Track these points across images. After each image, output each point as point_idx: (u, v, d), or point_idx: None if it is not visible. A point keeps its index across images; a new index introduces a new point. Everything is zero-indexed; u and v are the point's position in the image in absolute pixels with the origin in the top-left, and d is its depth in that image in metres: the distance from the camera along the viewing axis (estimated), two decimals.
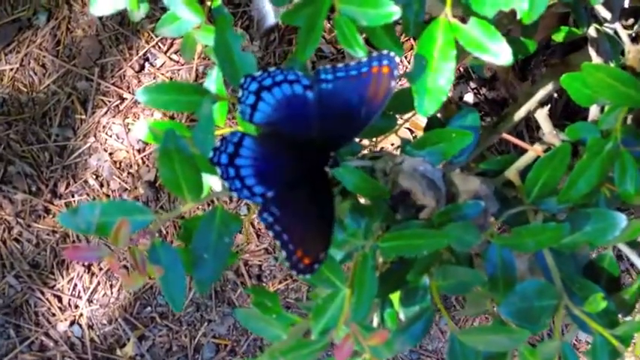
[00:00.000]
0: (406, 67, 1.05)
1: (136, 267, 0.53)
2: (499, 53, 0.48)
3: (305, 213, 0.54)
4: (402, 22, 0.58)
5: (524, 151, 0.68)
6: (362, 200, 0.61)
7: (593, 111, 0.66)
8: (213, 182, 0.64)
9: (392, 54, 0.51)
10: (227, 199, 1.08)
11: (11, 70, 1.14)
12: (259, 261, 1.08)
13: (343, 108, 0.55)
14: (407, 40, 1.06)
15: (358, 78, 0.53)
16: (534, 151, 0.64)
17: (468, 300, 0.62)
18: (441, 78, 0.49)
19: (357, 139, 0.62)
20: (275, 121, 0.56)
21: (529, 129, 1.00)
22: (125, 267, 1.03)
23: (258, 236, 1.09)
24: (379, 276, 0.58)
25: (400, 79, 0.52)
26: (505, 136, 0.67)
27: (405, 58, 1.07)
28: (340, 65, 0.54)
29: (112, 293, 1.11)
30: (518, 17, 0.50)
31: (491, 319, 0.65)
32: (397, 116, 0.65)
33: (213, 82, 0.63)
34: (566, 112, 1.01)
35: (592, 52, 0.70)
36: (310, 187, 0.55)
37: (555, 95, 0.96)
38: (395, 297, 0.62)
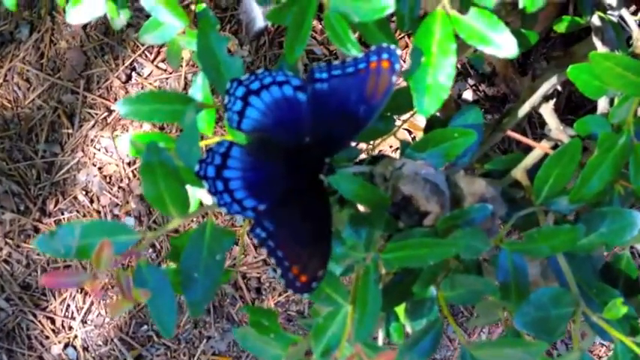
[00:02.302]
0: (402, 66, 1.01)
1: (121, 291, 0.49)
2: (503, 45, 0.45)
3: (300, 226, 0.50)
4: (396, 18, 0.54)
5: (529, 149, 0.65)
6: (361, 209, 0.57)
7: (602, 103, 0.62)
8: (202, 195, 0.61)
9: (392, 46, 0.48)
10: (218, 220, 1.04)
11: None
12: (258, 273, 1.05)
13: (339, 109, 0.52)
14: (401, 38, 1.03)
15: (355, 75, 0.50)
16: (541, 148, 0.60)
17: (478, 309, 0.58)
18: (441, 74, 0.45)
19: (353, 144, 0.59)
20: (265, 127, 0.52)
21: (532, 125, 0.96)
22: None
23: (255, 248, 1.05)
24: (383, 288, 0.55)
25: (400, 76, 0.48)
26: (510, 133, 0.63)
27: (401, 57, 1.03)
28: (336, 63, 0.51)
29: (106, 313, 1.07)
30: (521, 6, 0.46)
31: (503, 326, 0.62)
32: (395, 117, 0.62)
33: (199, 89, 0.59)
34: (568, 106, 0.97)
35: (597, 41, 0.66)
36: (305, 198, 0.52)
37: (559, 88, 0.93)
38: (400, 309, 0.59)
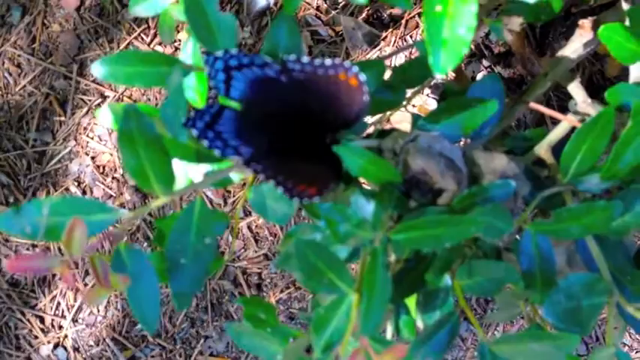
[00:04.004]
0: (410, 53, 0.95)
1: (96, 278, 0.44)
2: None
3: (303, 161, 0.47)
4: None
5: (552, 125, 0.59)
6: (368, 187, 0.51)
7: (635, 71, 0.56)
8: (192, 172, 0.55)
9: (353, 67, 0.45)
10: (221, 201, 0.98)
11: None
12: (258, 268, 0.99)
13: (320, 102, 0.48)
14: (411, 18, 0.97)
15: (327, 79, 0.46)
16: (569, 121, 0.54)
17: (497, 301, 0.52)
18: (460, 25, 0.39)
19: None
20: (254, 99, 0.47)
21: (550, 106, 0.90)
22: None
23: (256, 241, 0.99)
24: (392, 277, 0.49)
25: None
26: (533, 105, 0.57)
27: (411, 37, 0.97)
28: (306, 59, 0.46)
29: (98, 311, 1.01)
30: None
31: (526, 321, 0.56)
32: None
33: (189, 53, 0.53)
34: (589, 89, 0.91)
35: (626, 6, 0.60)
36: (307, 149, 0.48)
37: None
38: (411, 301, 0.53)
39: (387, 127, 0.58)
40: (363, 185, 0.50)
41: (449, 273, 0.50)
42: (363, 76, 0.45)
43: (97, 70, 0.45)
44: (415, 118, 0.52)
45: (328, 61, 0.45)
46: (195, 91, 0.54)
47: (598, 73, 0.90)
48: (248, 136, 0.46)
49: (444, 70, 0.40)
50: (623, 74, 0.91)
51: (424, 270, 0.49)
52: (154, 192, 0.45)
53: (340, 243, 0.42)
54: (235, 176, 0.51)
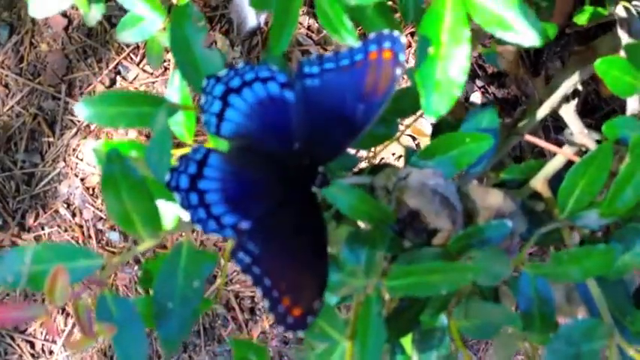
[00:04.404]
0: (407, 58, 0.93)
1: (80, 327, 0.42)
2: (524, 31, 0.38)
3: (291, 248, 0.43)
4: (399, 6, 0.47)
5: (545, 156, 0.58)
6: (361, 225, 0.50)
7: (633, 104, 0.55)
8: (180, 211, 0.54)
9: (395, 33, 0.40)
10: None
11: None
12: (251, 292, 0.97)
13: (334, 109, 0.44)
14: (406, 31, 0.96)
15: (352, 69, 0.42)
16: (564, 154, 0.53)
17: (495, 341, 0.51)
18: (453, 67, 0.38)
19: (351, 151, 0.52)
20: (247, 131, 0.45)
21: (546, 130, 0.89)
22: None
23: None
24: (386, 316, 0.48)
25: (405, 70, 0.40)
26: (528, 138, 0.56)
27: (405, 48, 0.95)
28: (328, 54, 0.43)
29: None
30: None
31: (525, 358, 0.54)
32: (399, 121, 0.55)
33: (176, 88, 0.52)
34: (584, 109, 0.90)
35: (622, 34, 0.59)
36: (295, 214, 0.44)
37: (579, 87, 0.86)
38: (407, 340, 0.52)
39: (378, 159, 0.56)
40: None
41: (445, 312, 0.48)
42: (403, 38, 0.41)
43: (80, 111, 0.44)
44: (409, 153, 0.51)
45: (358, 45, 0.41)
46: (182, 126, 0.53)
47: (593, 93, 0.89)
48: (234, 190, 0.44)
49: (437, 114, 0.38)
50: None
51: (420, 310, 0.48)
52: (140, 236, 0.44)
53: (332, 292, 0.41)
54: None
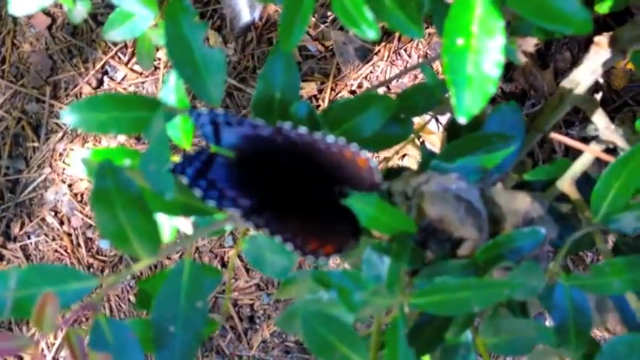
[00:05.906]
0: (425, 53, 0.89)
1: (72, 356, 0.38)
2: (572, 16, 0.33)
3: (311, 216, 0.42)
4: None
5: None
6: (376, 233, 0.46)
7: None
8: (180, 224, 0.49)
9: (362, 152, 0.38)
10: (204, 240, 0.92)
11: None
12: (250, 300, 0.93)
13: (322, 168, 0.42)
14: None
15: (329, 153, 0.40)
16: (593, 152, 0.49)
17: (528, 358, 0.47)
18: (486, 61, 0.34)
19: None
20: (248, 152, 0.41)
21: (565, 124, 0.85)
22: None
23: (247, 271, 0.94)
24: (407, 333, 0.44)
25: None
26: (555, 136, 0.52)
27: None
28: (304, 129, 0.39)
29: None
30: None
31: None
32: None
33: (172, 90, 0.48)
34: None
35: None
36: (314, 202, 0.42)
37: (600, 80, 0.82)
38: (426, 357, 0.48)
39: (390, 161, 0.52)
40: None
41: (471, 328, 0.44)
42: (374, 162, 0.39)
43: (67, 118, 0.40)
44: (426, 155, 0.47)
45: (331, 137, 0.38)
46: (180, 130, 0.49)
47: (604, 85, 0.85)
48: (245, 186, 0.40)
49: (469, 114, 0.34)
50: (630, 86, 0.86)
51: (442, 324, 0.44)
52: (137, 254, 0.39)
53: (353, 312, 0.37)
54: (229, 226, 0.46)
